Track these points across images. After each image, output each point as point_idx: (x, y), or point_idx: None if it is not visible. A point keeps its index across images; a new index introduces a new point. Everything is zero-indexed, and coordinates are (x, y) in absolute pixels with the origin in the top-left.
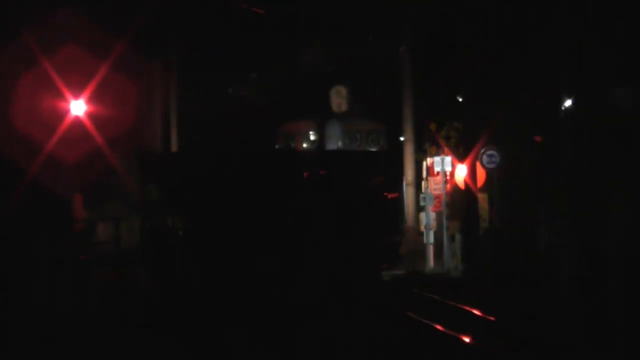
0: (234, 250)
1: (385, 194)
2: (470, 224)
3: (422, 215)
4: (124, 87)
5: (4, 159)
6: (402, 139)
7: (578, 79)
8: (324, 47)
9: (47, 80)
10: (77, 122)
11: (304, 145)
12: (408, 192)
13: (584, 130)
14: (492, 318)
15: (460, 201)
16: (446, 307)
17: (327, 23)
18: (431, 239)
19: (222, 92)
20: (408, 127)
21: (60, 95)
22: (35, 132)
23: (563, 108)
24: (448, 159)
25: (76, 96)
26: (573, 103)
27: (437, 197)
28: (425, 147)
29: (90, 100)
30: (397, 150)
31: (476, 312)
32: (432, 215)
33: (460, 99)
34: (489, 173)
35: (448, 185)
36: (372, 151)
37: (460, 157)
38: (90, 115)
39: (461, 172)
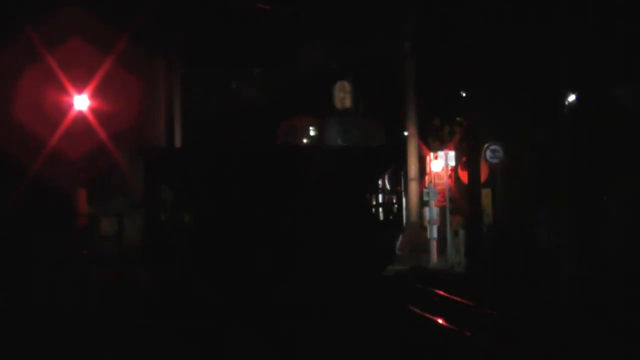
0: (236, 247)
1: (384, 190)
2: (474, 219)
3: (426, 210)
4: (127, 83)
5: (7, 153)
6: (405, 134)
7: (579, 77)
8: (326, 44)
9: (50, 76)
10: (81, 117)
11: (304, 141)
12: (411, 187)
13: (584, 128)
14: (494, 313)
15: (463, 197)
16: (449, 302)
17: (330, 20)
18: (434, 234)
19: (225, 88)
20: (411, 123)
21: (63, 91)
22: (39, 128)
23: (565, 104)
24: (452, 154)
25: (80, 92)
26: (574, 101)
27: (441, 192)
28: (429, 142)
29: (94, 96)
30: (400, 145)
31: (478, 307)
32: (436, 210)
33: (464, 94)
34: (492, 168)
35: (451, 181)
36: (370, 147)
37: (463, 152)
38: (93, 111)
39: (464, 167)
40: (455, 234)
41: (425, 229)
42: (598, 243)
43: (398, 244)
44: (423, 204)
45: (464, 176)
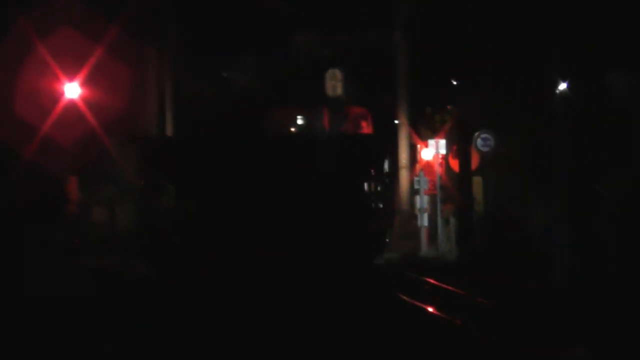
0: (228, 236)
1: (373, 177)
2: (465, 207)
3: (417, 198)
4: (118, 71)
5: None
6: (396, 122)
7: (571, 64)
8: (318, 32)
9: (42, 64)
10: (72, 105)
11: (294, 130)
12: (402, 175)
13: (576, 117)
14: (485, 302)
15: (454, 185)
16: (439, 290)
17: (322, 8)
18: (425, 222)
19: (217, 77)
20: (402, 111)
21: (55, 79)
22: (30, 115)
23: (556, 93)
24: (442, 142)
25: (71, 80)
26: (566, 89)
27: (431, 180)
28: (420, 130)
29: (85, 84)
30: (390, 134)
31: (469, 295)
32: (426, 198)
33: (455, 83)
34: (483, 157)
35: (442, 169)
36: (358, 135)
37: (454, 140)
38: (84, 99)
39: (455, 155)
40: (446, 222)
41: (415, 217)
42: (590, 231)
43: (389, 232)
44: (414, 192)
45: (454, 164)
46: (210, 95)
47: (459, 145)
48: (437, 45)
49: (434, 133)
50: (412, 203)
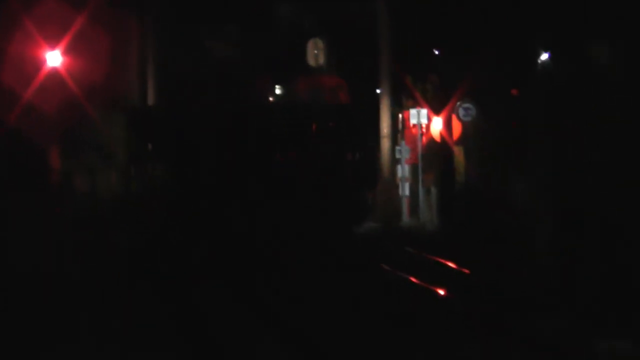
0: (212, 203)
1: (353, 146)
2: (446, 177)
3: (398, 167)
4: (100, 40)
5: None
6: (378, 91)
7: (554, 32)
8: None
9: (23, 32)
10: (54, 73)
11: (272, 98)
12: (384, 145)
13: (559, 84)
14: (466, 271)
15: (436, 154)
16: (421, 260)
17: None
18: (407, 192)
19: (198, 45)
20: (384, 80)
21: (37, 46)
22: (12, 83)
23: (538, 62)
24: (424, 111)
25: (53, 47)
26: (547, 60)
27: (413, 149)
28: (401, 100)
29: (67, 52)
30: (372, 104)
31: (451, 265)
32: (408, 168)
33: (437, 52)
34: (465, 126)
35: (424, 138)
36: (337, 105)
37: (436, 110)
38: (66, 66)
39: (437, 125)
40: (428, 191)
41: (397, 186)
42: (573, 199)
43: (370, 200)
44: (395, 161)
45: (436, 134)
46: (192, 63)
47: (441, 115)
48: (420, 14)
49: (415, 102)
50: (393, 172)
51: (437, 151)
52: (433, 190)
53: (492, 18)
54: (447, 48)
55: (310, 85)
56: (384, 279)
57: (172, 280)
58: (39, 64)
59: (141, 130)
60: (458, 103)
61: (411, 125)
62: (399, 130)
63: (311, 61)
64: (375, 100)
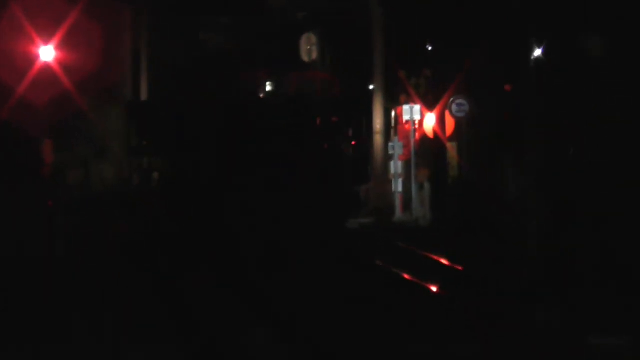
0: (206, 197)
1: (345, 140)
2: (439, 173)
3: (391, 163)
4: (93, 32)
5: None
6: (371, 87)
7: (546, 28)
8: None
9: (15, 24)
10: (46, 66)
11: (265, 93)
12: (377, 141)
13: (551, 80)
14: (459, 267)
15: (429, 150)
16: (414, 256)
17: None
18: (399, 188)
19: (192, 38)
20: (377, 77)
21: (29, 39)
22: (4, 76)
23: (531, 57)
24: (417, 107)
25: (45, 39)
26: (541, 55)
27: (406, 145)
28: (395, 95)
29: (60, 45)
30: (364, 100)
31: (444, 261)
32: (401, 164)
33: (430, 47)
34: (459, 122)
35: (417, 134)
36: (328, 100)
37: (429, 105)
38: (59, 59)
39: (430, 120)
40: (421, 187)
41: (390, 182)
42: (565, 194)
43: (363, 196)
44: (388, 157)
45: (429, 130)
46: (185, 56)
47: (434, 111)
48: (413, 8)
49: (409, 98)
50: (386, 168)
51: (430, 147)
52: (426, 186)
53: (485, 12)
54: (440, 43)
55: (301, 80)
56: (376, 275)
57: (169, 275)
58: (31, 57)
59: (139, 124)
60: (451, 99)
61: (404, 121)
62: (392, 126)
63: (304, 56)
64: (369, 96)
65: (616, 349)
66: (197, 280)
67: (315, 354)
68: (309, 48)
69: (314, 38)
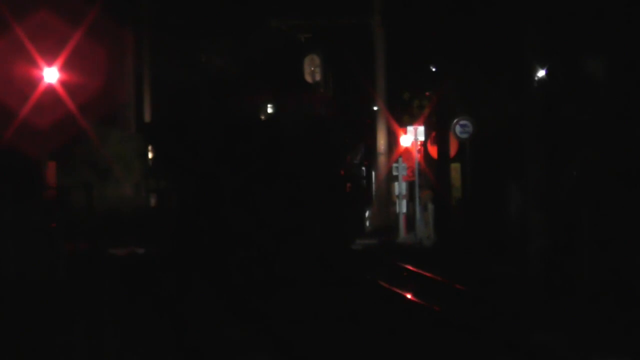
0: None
1: (347, 163)
2: (443, 194)
3: (395, 184)
4: (95, 54)
5: None
6: (375, 108)
7: (548, 49)
8: (296, 16)
9: (19, 48)
10: (50, 88)
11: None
12: (380, 162)
13: (554, 101)
14: (462, 287)
15: (432, 171)
16: (418, 277)
17: None
18: (404, 209)
19: (194, 59)
20: (380, 97)
21: (32, 62)
22: (7, 99)
23: (534, 79)
24: (421, 128)
25: (48, 62)
26: (544, 76)
27: (410, 166)
28: (398, 117)
29: (63, 67)
30: (366, 120)
31: (447, 281)
32: (404, 184)
33: (433, 69)
34: (462, 143)
35: (420, 155)
36: (331, 121)
37: (433, 126)
38: (62, 81)
39: (433, 141)
40: (424, 208)
41: (394, 203)
42: (566, 216)
43: (367, 218)
44: (392, 178)
45: (433, 151)
46: (187, 78)
47: (437, 132)
48: (416, 30)
49: (412, 119)
50: (390, 189)
51: (433, 168)
52: (430, 206)
53: (488, 33)
54: (443, 64)
55: (303, 102)
56: (380, 295)
57: (170, 294)
58: (34, 79)
59: (155, 145)
60: (455, 120)
61: (408, 142)
62: (396, 147)
63: (308, 77)
64: (372, 118)
65: None
66: (200, 301)
67: None
68: (312, 69)
69: (317, 59)
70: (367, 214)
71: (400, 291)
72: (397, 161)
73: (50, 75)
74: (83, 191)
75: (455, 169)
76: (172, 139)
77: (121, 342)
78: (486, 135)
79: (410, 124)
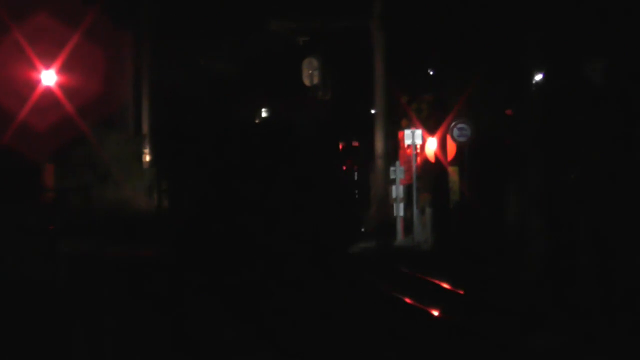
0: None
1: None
2: (441, 197)
3: (392, 188)
4: (94, 57)
5: None
6: (373, 111)
7: (548, 53)
8: (295, 20)
9: (17, 50)
10: (48, 91)
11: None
12: (378, 165)
13: (553, 104)
14: (460, 291)
15: (430, 174)
16: (415, 280)
17: None
18: (401, 212)
19: (193, 62)
20: (379, 100)
21: (30, 65)
22: (6, 102)
23: (532, 82)
24: (418, 132)
25: (47, 65)
26: (542, 80)
27: (408, 170)
28: (396, 120)
29: (61, 70)
30: (363, 123)
31: (445, 285)
32: (402, 188)
33: (432, 72)
34: (460, 146)
35: (418, 159)
36: (329, 125)
37: (431, 130)
38: (60, 84)
39: (432, 145)
40: (422, 211)
41: (391, 207)
42: (564, 219)
43: (364, 221)
44: (390, 182)
45: (431, 154)
46: (186, 80)
47: (435, 135)
48: (414, 33)
49: (410, 122)
50: (387, 192)
51: (431, 171)
52: (428, 210)
53: (486, 36)
54: (441, 67)
55: (300, 105)
56: (378, 299)
57: (172, 296)
58: (33, 82)
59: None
60: (452, 123)
61: (405, 145)
62: (393, 151)
63: (306, 81)
64: (370, 121)
65: None
66: (199, 303)
67: None
68: (310, 72)
69: (315, 62)
70: (363, 217)
71: (398, 295)
72: (394, 164)
73: (49, 77)
74: (81, 193)
75: (453, 172)
76: (175, 142)
77: (121, 343)
78: (484, 139)
79: (409, 127)
